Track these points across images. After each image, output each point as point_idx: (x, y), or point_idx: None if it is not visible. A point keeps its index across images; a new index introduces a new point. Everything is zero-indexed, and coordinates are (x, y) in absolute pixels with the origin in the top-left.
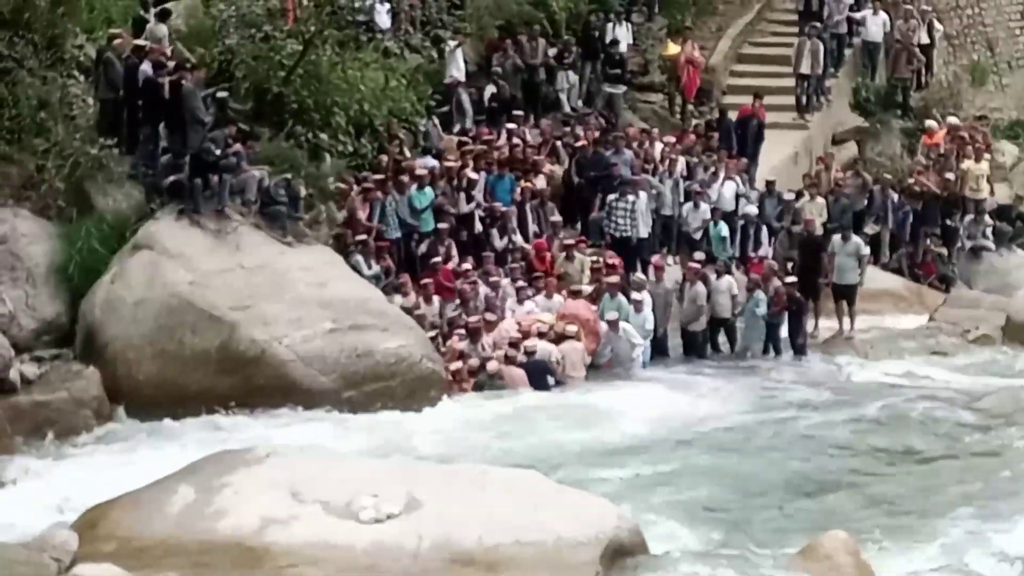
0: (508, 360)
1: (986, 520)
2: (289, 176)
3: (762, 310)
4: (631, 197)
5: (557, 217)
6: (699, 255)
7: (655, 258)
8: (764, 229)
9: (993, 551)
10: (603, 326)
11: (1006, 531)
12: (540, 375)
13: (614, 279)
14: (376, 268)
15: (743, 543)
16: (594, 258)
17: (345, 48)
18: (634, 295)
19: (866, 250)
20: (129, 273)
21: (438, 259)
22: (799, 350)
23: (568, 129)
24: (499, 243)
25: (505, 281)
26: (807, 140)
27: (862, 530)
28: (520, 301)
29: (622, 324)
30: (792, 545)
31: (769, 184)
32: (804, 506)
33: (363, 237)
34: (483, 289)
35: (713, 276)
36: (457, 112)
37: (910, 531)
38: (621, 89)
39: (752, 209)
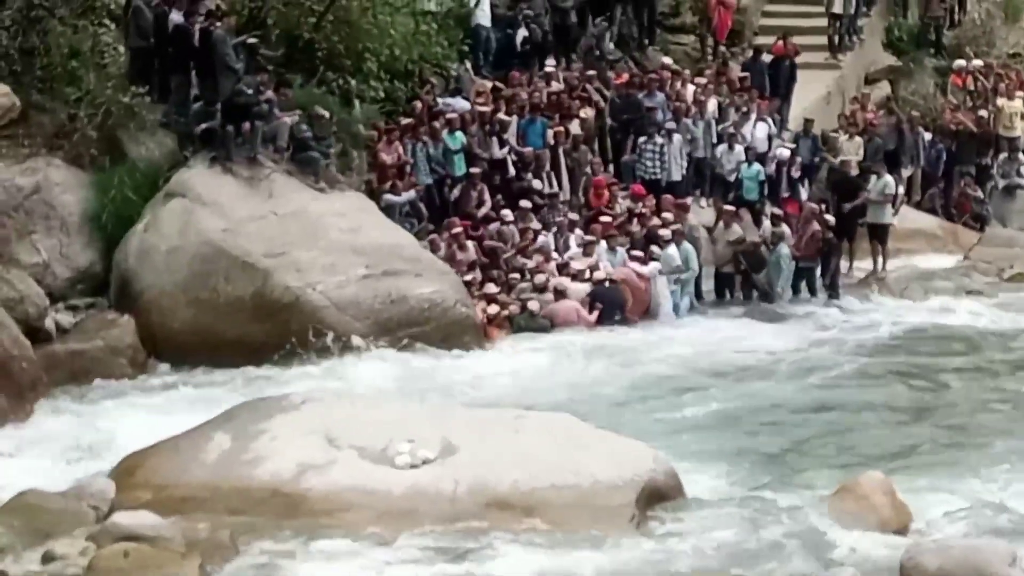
0: (557, 294)
1: (1022, 459)
2: (306, 110)
3: (786, 265)
4: (659, 139)
5: (595, 159)
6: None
7: (686, 200)
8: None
9: None
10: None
11: None
12: (611, 306)
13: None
14: (408, 193)
15: (779, 485)
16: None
17: None
18: (660, 231)
19: (892, 189)
20: (162, 221)
21: (484, 210)
22: (832, 291)
23: (600, 73)
24: (535, 185)
25: (540, 221)
26: (840, 80)
27: (898, 470)
28: (587, 254)
29: (660, 279)
30: (828, 486)
31: (807, 123)
32: (839, 447)
33: (392, 183)
34: (508, 231)
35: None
36: (484, 57)
37: (946, 471)
38: None
39: (784, 152)
